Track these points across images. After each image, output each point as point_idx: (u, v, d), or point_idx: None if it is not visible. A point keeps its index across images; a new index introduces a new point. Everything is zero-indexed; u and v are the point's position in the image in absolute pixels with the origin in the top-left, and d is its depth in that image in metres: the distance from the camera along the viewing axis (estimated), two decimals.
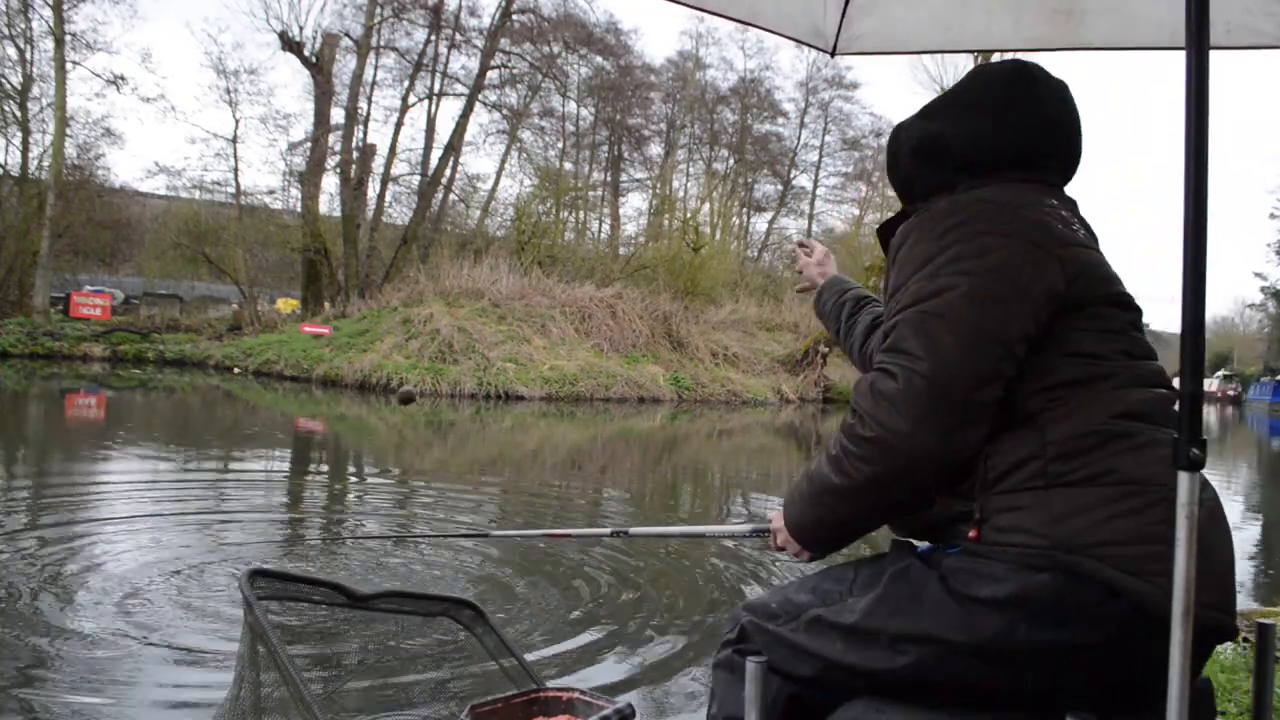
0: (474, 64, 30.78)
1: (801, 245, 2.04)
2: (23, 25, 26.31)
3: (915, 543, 1.34)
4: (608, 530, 2.01)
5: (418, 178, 30.79)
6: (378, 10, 28.90)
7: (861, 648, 1.24)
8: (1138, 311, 1.34)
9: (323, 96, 28.80)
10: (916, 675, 1.20)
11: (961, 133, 1.41)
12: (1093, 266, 1.29)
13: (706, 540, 5.54)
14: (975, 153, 1.39)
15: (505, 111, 33.51)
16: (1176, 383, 1.15)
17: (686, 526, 2.22)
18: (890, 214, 1.55)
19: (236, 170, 38.58)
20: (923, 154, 1.44)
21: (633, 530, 1.98)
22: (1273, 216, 49.54)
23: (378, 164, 30.08)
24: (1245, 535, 7.89)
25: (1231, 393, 55.88)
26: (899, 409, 1.19)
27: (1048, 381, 1.23)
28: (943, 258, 1.24)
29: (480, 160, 74.86)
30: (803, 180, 42.98)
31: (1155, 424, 1.21)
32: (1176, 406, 1.16)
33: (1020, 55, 1.62)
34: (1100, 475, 1.15)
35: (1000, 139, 1.38)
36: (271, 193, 31.86)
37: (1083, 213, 1.43)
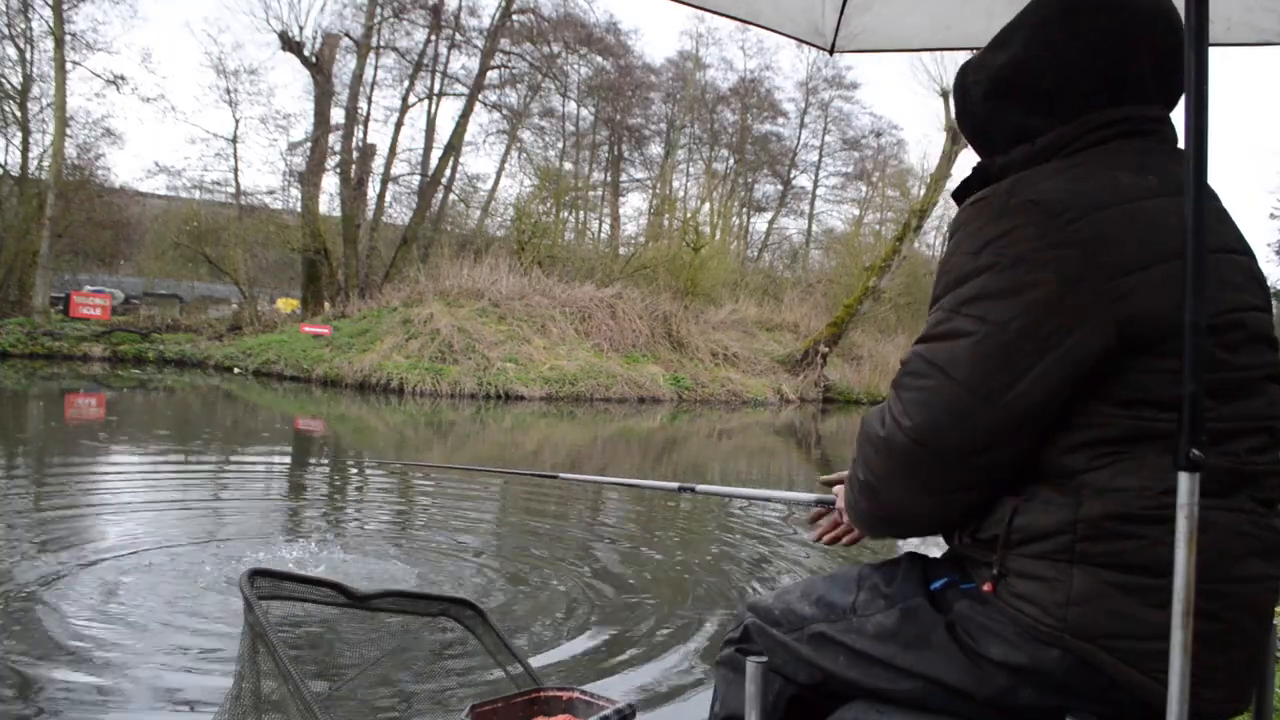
0: (474, 64, 30.78)
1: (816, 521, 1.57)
2: (23, 25, 26.29)
3: (928, 554, 1.31)
4: (675, 485, 1.92)
5: (418, 178, 30.79)
6: (378, 10, 28.90)
7: (864, 668, 1.22)
8: (1243, 329, 1.11)
9: (323, 96, 28.79)
10: (918, 701, 1.19)
11: (1036, 59, 1.20)
12: (1170, 289, 1.06)
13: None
14: (1055, 83, 1.19)
15: (505, 111, 33.52)
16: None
17: (752, 489, 2.12)
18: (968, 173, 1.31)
19: (236, 170, 38.75)
20: (996, 94, 1.24)
21: (699, 488, 1.93)
22: (1273, 216, 49.46)
23: (378, 164, 30.09)
24: None
25: None
26: (883, 460, 1.14)
27: (1092, 435, 1.08)
28: (969, 286, 1.09)
29: (480, 160, 74.84)
30: (803, 180, 42.98)
31: (1221, 494, 1.06)
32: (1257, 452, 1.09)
33: None
34: (1130, 564, 1.06)
35: (1085, 59, 1.17)
36: (271, 193, 31.91)
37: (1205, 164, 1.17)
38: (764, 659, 1.28)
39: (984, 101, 1.26)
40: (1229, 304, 1.11)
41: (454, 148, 30.62)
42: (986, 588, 1.13)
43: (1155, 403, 1.07)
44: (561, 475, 2.25)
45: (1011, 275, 1.06)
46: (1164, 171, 1.15)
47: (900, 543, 4.07)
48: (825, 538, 1.48)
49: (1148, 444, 1.07)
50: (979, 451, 1.09)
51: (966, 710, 1.16)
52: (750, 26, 2.03)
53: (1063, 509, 1.07)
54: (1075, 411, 1.08)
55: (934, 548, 1.36)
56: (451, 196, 31.89)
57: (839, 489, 1.41)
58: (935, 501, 1.14)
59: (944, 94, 25.96)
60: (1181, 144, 1.18)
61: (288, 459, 10.16)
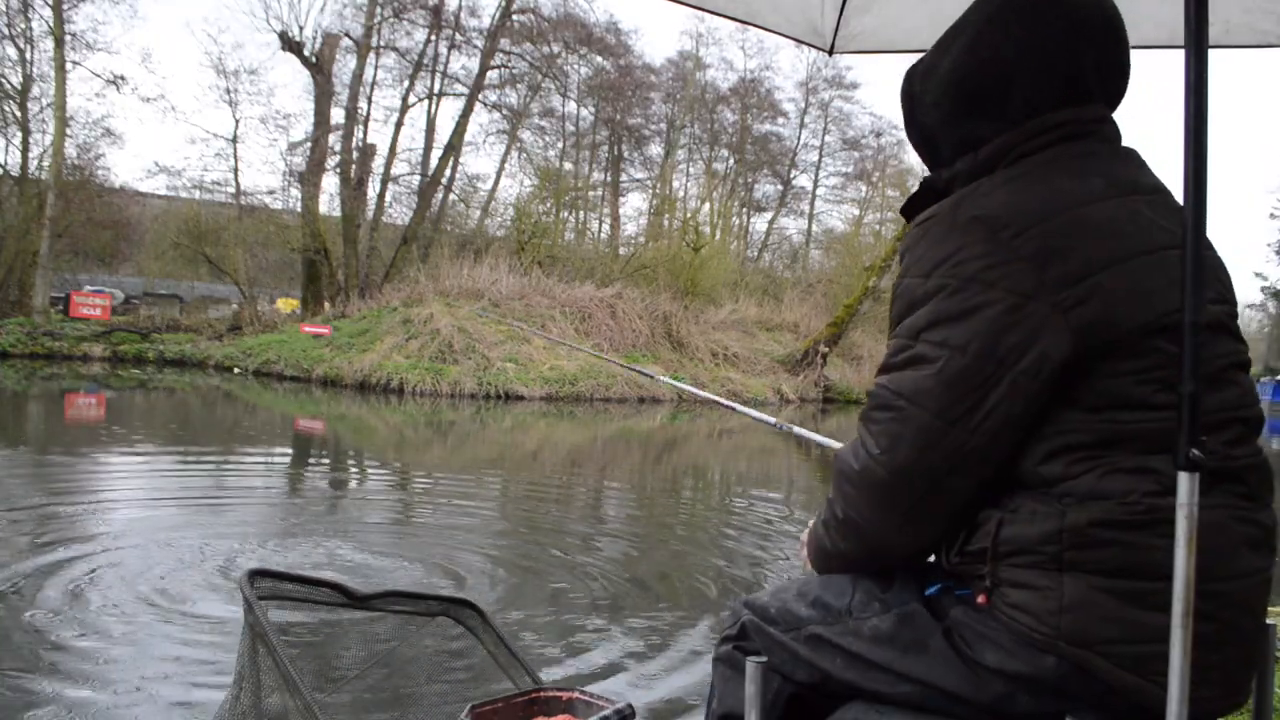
0: (474, 64, 30.79)
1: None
2: (23, 25, 26.30)
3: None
4: (774, 421, 1.92)
5: (418, 178, 30.80)
6: (378, 10, 28.90)
7: (862, 670, 1.22)
8: (1215, 332, 1.13)
9: (323, 96, 28.80)
10: (915, 704, 1.19)
11: (980, 61, 1.19)
12: (1130, 288, 1.07)
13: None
14: (1000, 85, 1.18)
15: (505, 111, 33.53)
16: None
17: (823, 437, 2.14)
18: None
19: (236, 170, 38.75)
20: (944, 98, 1.23)
21: (796, 429, 1.93)
22: (1273, 216, 49.55)
23: (378, 164, 30.10)
24: None
25: None
26: (860, 495, 1.16)
27: (1066, 442, 1.08)
28: (924, 312, 1.10)
29: (480, 160, 74.84)
30: (803, 180, 42.99)
31: (1205, 490, 1.05)
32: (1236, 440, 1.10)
33: None
34: (1119, 569, 1.06)
35: (1025, 59, 1.16)
36: (271, 193, 31.93)
37: (1144, 165, 1.21)
38: (763, 659, 1.28)
39: (933, 109, 1.26)
40: None
41: (454, 148, 30.63)
42: (981, 600, 1.14)
43: (1124, 405, 1.07)
44: (660, 378, 2.27)
45: (964, 297, 1.07)
46: (1109, 173, 1.16)
47: None
48: None
49: (1121, 447, 1.07)
50: (955, 474, 1.10)
51: (964, 714, 1.16)
52: (750, 27, 2.04)
53: (1047, 519, 1.08)
54: (1048, 420, 1.09)
55: None
56: (451, 196, 31.92)
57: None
58: (918, 530, 1.16)
59: None
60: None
61: (287, 458, 10.16)
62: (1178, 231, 1.11)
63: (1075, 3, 1.18)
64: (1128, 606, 1.06)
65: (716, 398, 2.05)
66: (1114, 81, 1.22)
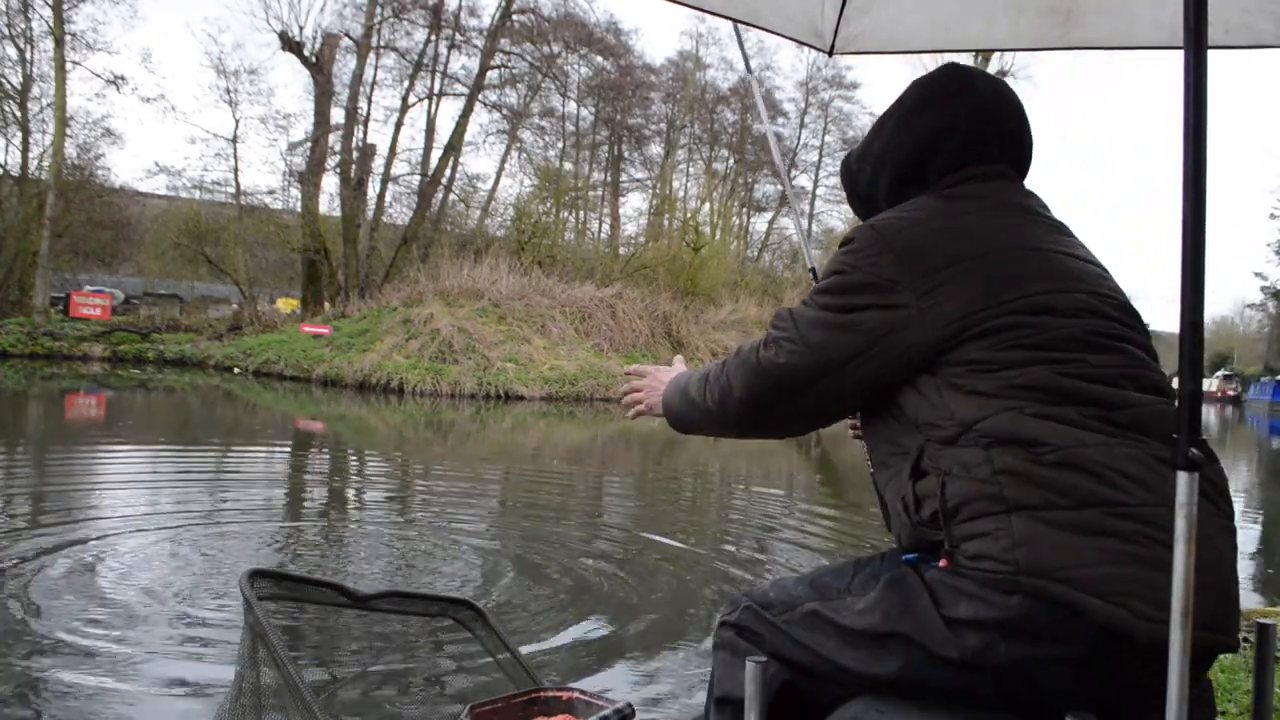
0: (474, 64, 30.82)
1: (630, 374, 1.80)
2: (23, 25, 26.35)
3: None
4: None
5: (418, 178, 30.81)
6: (378, 10, 28.92)
7: (854, 649, 1.26)
8: (1087, 313, 1.28)
9: (323, 96, 28.81)
10: (908, 680, 1.21)
11: (901, 143, 1.45)
12: (986, 277, 1.26)
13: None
14: (921, 158, 1.43)
15: (505, 111, 33.54)
16: (1175, 383, 1.14)
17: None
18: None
19: (236, 170, 38.74)
20: (879, 172, 1.49)
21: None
22: (1273, 216, 49.52)
23: (378, 164, 30.13)
24: (1245, 535, 7.88)
25: (1231, 393, 55.79)
26: (745, 374, 1.38)
27: (969, 388, 1.23)
28: (825, 281, 1.35)
29: (480, 160, 74.91)
30: (803, 180, 42.99)
31: (1118, 426, 1.19)
32: (1175, 406, 1.13)
33: (1019, 55, 1.61)
34: (1056, 501, 1.14)
35: (941, 134, 1.41)
36: (271, 193, 31.93)
37: (1035, 198, 1.43)
38: (763, 659, 1.29)
39: (871, 182, 1.52)
40: (1044, 288, 1.28)
41: (454, 148, 30.64)
42: (942, 564, 1.21)
43: (1001, 365, 1.22)
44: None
45: (849, 277, 1.32)
46: (986, 197, 1.38)
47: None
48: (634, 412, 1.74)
49: (1011, 394, 1.21)
50: (811, 392, 1.34)
51: (954, 680, 1.18)
52: (750, 27, 2.04)
53: (979, 466, 1.19)
54: (942, 380, 1.25)
55: None
56: (451, 196, 31.93)
57: (664, 374, 1.68)
58: (764, 420, 1.40)
59: None
60: (1180, 144, 1.21)
61: (287, 458, 10.16)
62: (1055, 242, 1.33)
63: (976, 88, 1.43)
64: (1076, 533, 1.13)
65: None
66: (1014, 149, 1.45)
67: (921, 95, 1.47)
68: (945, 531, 1.20)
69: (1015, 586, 1.13)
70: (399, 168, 30.72)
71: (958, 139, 1.41)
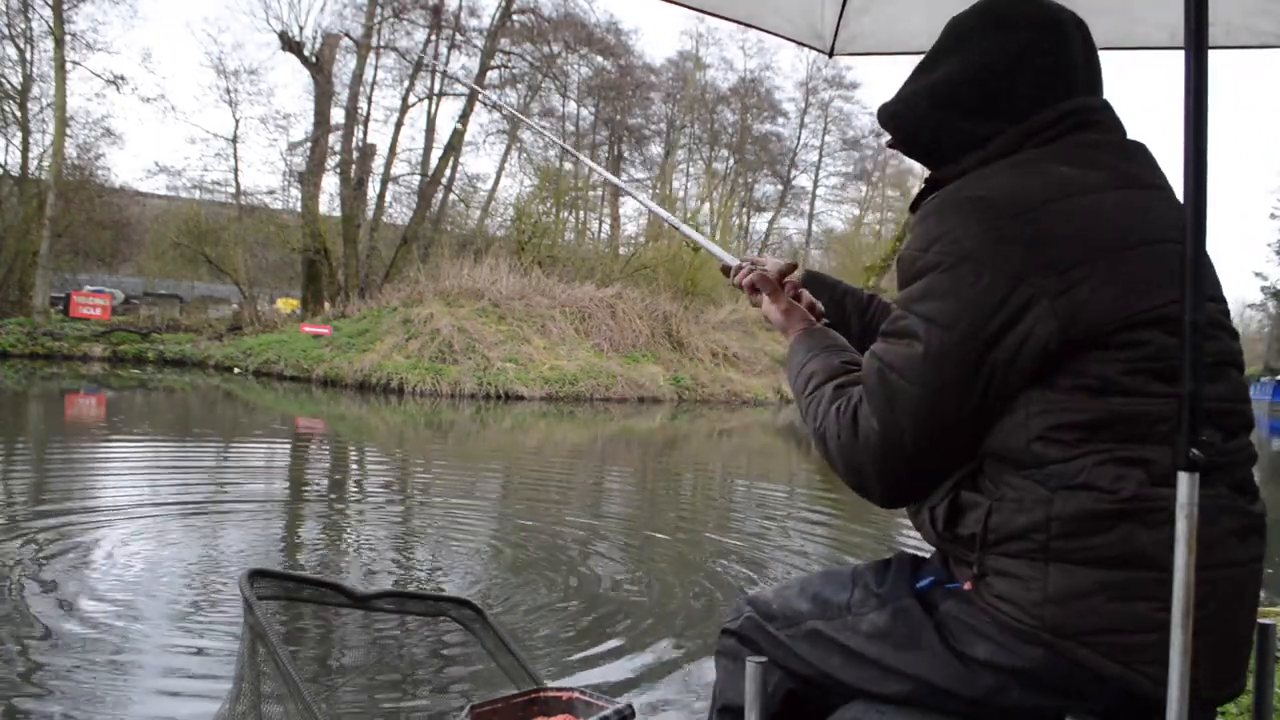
0: (474, 64, 30.78)
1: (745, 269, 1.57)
2: (23, 25, 26.31)
3: (917, 554, 1.31)
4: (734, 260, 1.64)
5: (418, 178, 30.79)
6: (378, 10, 28.90)
7: (857, 669, 1.24)
8: (1215, 328, 1.15)
9: (323, 96, 28.80)
10: (915, 704, 1.20)
11: (973, 70, 1.23)
12: (1121, 279, 1.08)
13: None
14: (997, 88, 1.21)
15: (505, 111, 33.54)
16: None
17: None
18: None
19: (236, 170, 38.70)
20: (940, 106, 1.26)
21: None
22: (1273, 216, 49.53)
23: (378, 164, 30.09)
24: None
25: None
26: (858, 447, 1.16)
27: (1059, 421, 1.08)
28: (919, 285, 1.13)
29: (480, 160, 74.84)
30: (803, 180, 43.00)
31: (1203, 477, 1.05)
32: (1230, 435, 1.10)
33: None
34: (1105, 558, 1.06)
35: (1021, 60, 1.20)
36: (271, 193, 31.88)
37: (1150, 161, 1.22)
38: (763, 659, 1.29)
39: (931, 112, 1.27)
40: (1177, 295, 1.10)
41: (454, 148, 30.63)
42: (967, 586, 1.15)
43: (1116, 391, 1.07)
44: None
45: (956, 274, 1.09)
46: (1113, 166, 1.17)
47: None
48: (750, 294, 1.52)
49: (1112, 432, 1.07)
50: (935, 443, 1.13)
51: (960, 709, 1.16)
52: (749, 27, 2.03)
53: (1035, 507, 1.08)
54: (1038, 401, 1.09)
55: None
56: (451, 196, 31.91)
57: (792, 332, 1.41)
58: (892, 485, 1.18)
59: None
60: (1181, 144, 1.20)
61: (288, 458, 10.16)
62: (1176, 227, 1.11)
63: (1049, 8, 1.23)
64: (1114, 597, 1.06)
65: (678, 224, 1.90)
66: (1099, 75, 1.25)
67: (984, 22, 1.24)
68: (977, 555, 1.13)
69: (1038, 641, 1.08)
70: (399, 168, 30.72)
71: (1044, 65, 1.20)
